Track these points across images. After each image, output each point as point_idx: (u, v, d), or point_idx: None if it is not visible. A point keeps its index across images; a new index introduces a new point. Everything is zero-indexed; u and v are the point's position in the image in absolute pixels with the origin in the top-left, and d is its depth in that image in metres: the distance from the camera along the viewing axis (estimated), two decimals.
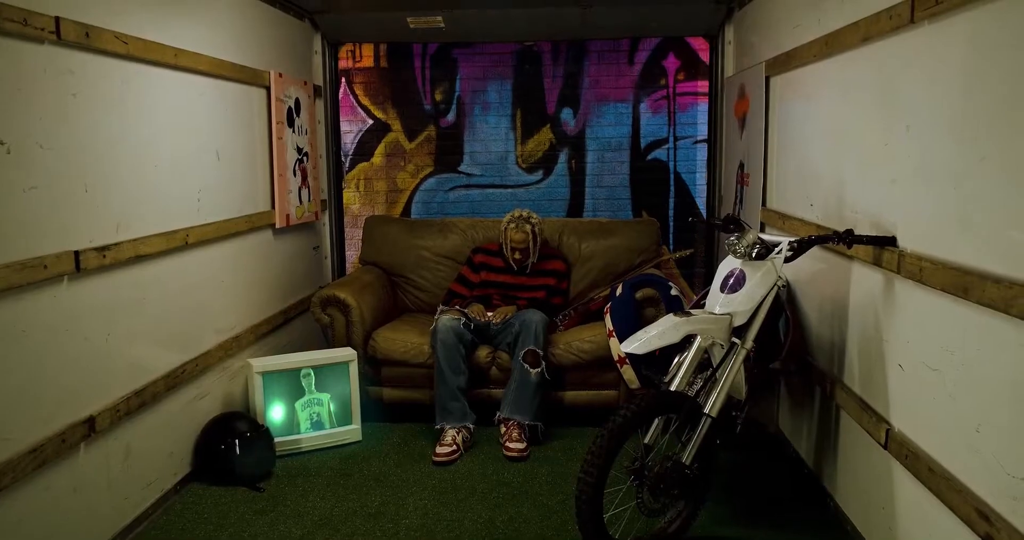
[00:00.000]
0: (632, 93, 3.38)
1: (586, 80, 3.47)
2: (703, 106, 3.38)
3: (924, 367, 2.24)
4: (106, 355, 2.65)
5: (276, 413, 3.58)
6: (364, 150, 4.96)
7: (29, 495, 2.29)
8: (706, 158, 4.80)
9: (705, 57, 3.50)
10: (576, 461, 3.43)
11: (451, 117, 3.59)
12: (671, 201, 3.38)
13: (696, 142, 3.44)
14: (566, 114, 3.45)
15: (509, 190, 3.61)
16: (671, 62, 3.25)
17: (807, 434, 3.32)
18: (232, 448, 3.22)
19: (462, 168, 3.71)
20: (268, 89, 3.91)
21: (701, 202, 3.51)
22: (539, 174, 3.57)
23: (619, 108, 3.42)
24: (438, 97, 3.50)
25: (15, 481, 2.20)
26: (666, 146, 3.45)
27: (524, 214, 4.09)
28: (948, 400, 2.11)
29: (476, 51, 3.52)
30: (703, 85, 3.39)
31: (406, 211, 4.94)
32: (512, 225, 4.07)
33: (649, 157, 3.56)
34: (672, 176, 3.49)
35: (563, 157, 3.54)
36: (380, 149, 4.81)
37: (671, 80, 3.20)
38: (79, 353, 2.51)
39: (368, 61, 4.63)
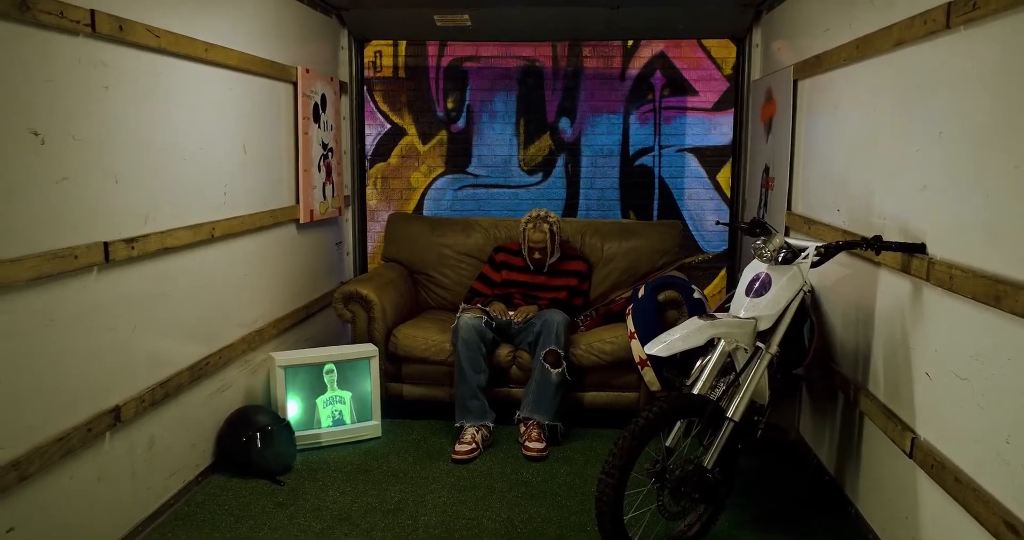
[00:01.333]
0: (622, 106, 3.62)
1: (582, 93, 3.85)
2: (687, 118, 3.62)
3: (953, 376, 2.21)
4: (132, 346, 2.67)
5: (292, 409, 3.60)
6: (382, 151, 5.24)
7: (55, 483, 2.31)
8: (687, 166, 4.73)
9: (689, 76, 3.89)
10: (595, 462, 3.42)
11: (461, 123, 4.02)
12: (655, 203, 3.81)
13: (679, 151, 3.79)
14: (564, 123, 3.86)
15: (511, 190, 3.98)
16: (657, 79, 3.55)
17: (829, 441, 3.30)
18: (254, 441, 3.23)
19: (470, 169, 4.13)
20: (295, 84, 3.93)
21: (683, 204, 3.91)
22: (539, 176, 4.01)
23: (611, 119, 3.81)
24: (450, 105, 3.85)
25: (42, 469, 2.23)
26: (652, 154, 3.84)
27: (542, 214, 4.08)
28: (977, 410, 2.09)
29: (485, 65, 3.92)
30: (687, 100, 3.72)
31: (419, 207, 5.25)
32: (530, 225, 4.06)
33: (636, 163, 3.94)
34: (657, 181, 3.86)
35: (560, 161, 3.94)
36: (396, 151, 5.13)
37: (657, 95, 3.45)
38: (106, 343, 2.54)
39: (387, 71, 5.04)
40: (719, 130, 3.65)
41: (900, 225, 2.55)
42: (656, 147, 3.91)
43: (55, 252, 2.25)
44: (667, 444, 2.61)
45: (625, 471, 2.44)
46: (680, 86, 3.67)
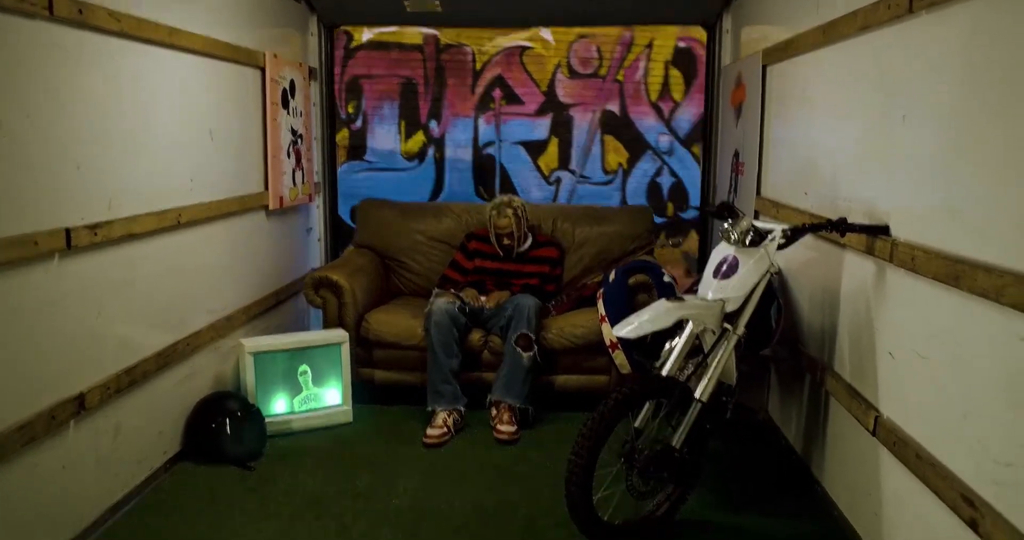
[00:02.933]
0: (474, 112, 4.93)
1: (446, 102, 4.93)
2: (516, 120, 4.93)
3: (914, 355, 2.25)
4: (97, 333, 2.65)
5: (278, 407, 3.60)
6: None
7: (18, 472, 2.29)
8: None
9: (518, 91, 4.92)
10: (566, 445, 3.39)
11: (358, 124, 4.99)
12: (497, 181, 4.96)
13: (512, 143, 4.94)
14: (433, 124, 4.97)
15: (395, 172, 5.02)
16: (497, 93, 4.90)
17: (796, 420, 3.34)
18: (223, 427, 3.22)
19: (366, 157, 5.04)
20: (263, 70, 3.89)
21: (516, 182, 4.99)
22: (415, 162, 5.02)
23: (465, 121, 4.96)
24: (350, 110, 4.95)
25: (2, 458, 2.20)
26: (494, 146, 4.96)
27: (506, 199, 4.10)
28: (936, 387, 2.12)
29: (376, 82, 4.95)
30: (516, 108, 4.91)
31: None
32: (495, 212, 4.07)
33: (484, 153, 4.98)
34: (498, 165, 4.96)
35: (431, 152, 5.00)
36: None
37: (497, 104, 4.88)
38: (70, 330, 2.51)
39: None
40: (539, 130, 4.94)
41: (865, 208, 2.58)
42: (497, 141, 4.97)
43: (14, 239, 2.21)
44: (636, 425, 2.64)
45: (594, 452, 2.46)
46: (512, 97, 4.90)
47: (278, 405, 3.62)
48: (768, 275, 2.71)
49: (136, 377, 2.84)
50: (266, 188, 3.98)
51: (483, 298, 3.92)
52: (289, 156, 4.24)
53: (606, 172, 5.00)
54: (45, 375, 2.40)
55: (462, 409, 3.67)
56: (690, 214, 4.87)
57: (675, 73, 4.93)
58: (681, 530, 2.77)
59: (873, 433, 2.47)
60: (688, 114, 4.97)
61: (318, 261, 4.82)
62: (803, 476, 3.15)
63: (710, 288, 2.71)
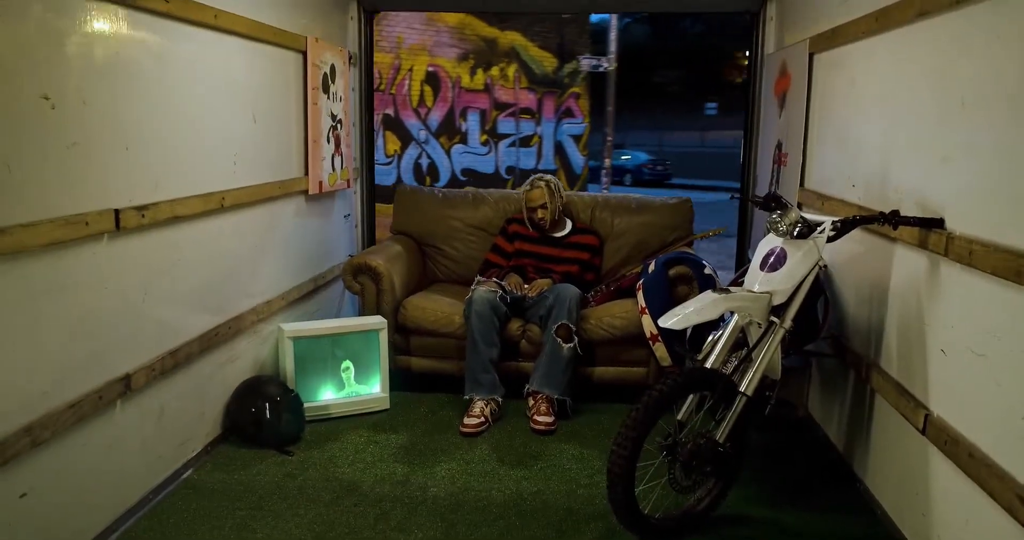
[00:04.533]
0: None
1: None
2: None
3: (969, 352, 2.20)
4: (142, 314, 2.66)
5: (302, 381, 3.61)
6: None
7: (67, 450, 2.31)
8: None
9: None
10: (603, 437, 3.42)
11: None
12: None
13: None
14: None
15: None
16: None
17: (838, 417, 3.29)
18: (263, 412, 3.24)
19: None
20: (304, 54, 3.88)
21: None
22: None
23: None
24: None
25: (54, 435, 2.23)
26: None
27: (536, 176, 4.16)
28: (993, 386, 2.07)
29: None
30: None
31: None
32: (527, 187, 4.12)
33: None
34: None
35: None
36: None
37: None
38: (117, 311, 2.53)
39: None
40: None
41: (918, 200, 2.52)
42: None
43: (67, 218, 2.23)
44: (679, 418, 2.61)
45: (638, 443, 2.43)
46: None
47: (316, 392, 3.62)
48: (816, 268, 2.66)
49: (179, 359, 2.86)
50: (306, 173, 3.99)
51: (526, 286, 3.90)
52: (329, 141, 4.24)
53: (387, 155, 7.87)
54: (94, 355, 2.42)
55: (499, 399, 3.66)
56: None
57: (427, 89, 7.84)
58: (720, 524, 2.75)
59: (923, 431, 2.42)
60: (436, 116, 7.94)
61: (355, 247, 4.83)
62: (844, 473, 3.10)
63: (757, 280, 2.67)
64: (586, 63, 8.75)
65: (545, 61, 8.26)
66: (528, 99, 8.51)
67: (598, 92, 9.61)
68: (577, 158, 8.92)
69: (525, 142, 8.59)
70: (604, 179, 9.89)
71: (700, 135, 23.46)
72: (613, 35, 9.42)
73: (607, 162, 9.97)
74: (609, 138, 9.73)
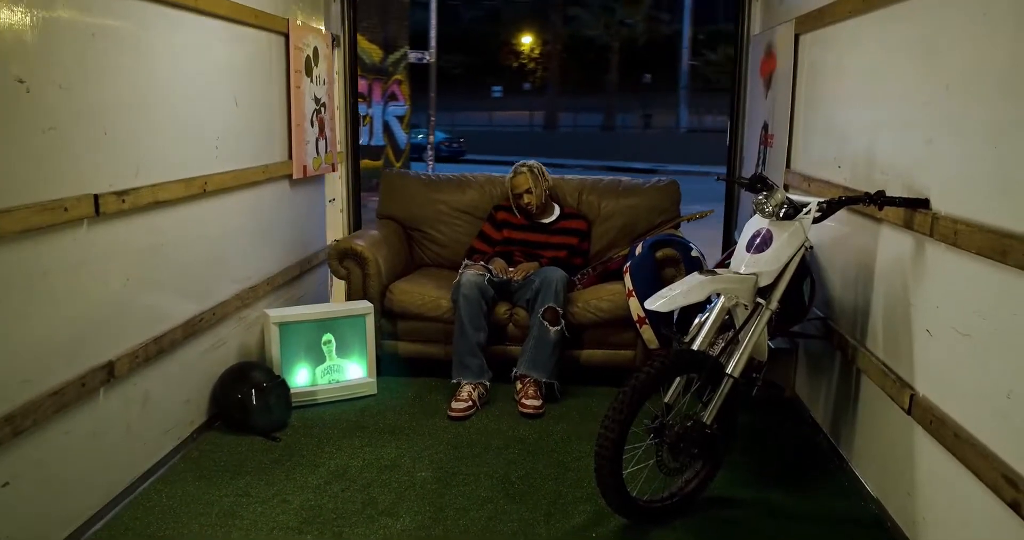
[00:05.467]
0: None
1: None
2: None
3: (954, 332, 2.20)
4: (125, 301, 2.64)
5: (299, 379, 3.59)
6: None
7: (50, 438, 2.29)
8: (728, 118, 4.74)
9: None
10: (591, 420, 3.43)
11: None
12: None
13: None
14: None
15: None
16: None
17: (825, 398, 3.31)
18: (249, 398, 3.22)
19: None
20: (287, 36, 3.83)
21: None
22: None
23: None
24: None
25: (36, 424, 2.20)
26: None
27: (519, 163, 4.15)
28: (978, 365, 2.08)
29: None
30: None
31: None
32: (511, 176, 4.11)
33: None
34: None
35: None
36: None
37: None
38: (99, 298, 2.50)
39: None
40: None
41: (903, 181, 2.52)
42: None
43: (44, 204, 2.19)
44: (666, 400, 2.61)
45: (625, 426, 2.43)
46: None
47: (300, 375, 3.61)
48: (802, 249, 2.66)
49: (164, 346, 2.84)
50: (290, 157, 3.95)
51: (511, 270, 3.88)
52: (312, 125, 4.20)
53: None
54: (75, 342, 2.39)
55: (487, 383, 3.65)
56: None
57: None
58: (708, 506, 2.76)
59: (908, 412, 2.43)
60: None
61: (340, 232, 4.79)
62: (830, 454, 3.12)
63: (743, 262, 2.66)
64: (413, 56, 10.20)
65: (373, 52, 9.03)
66: (360, 85, 9.13)
67: (420, 79, 11.29)
68: (401, 136, 10.24)
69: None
70: (429, 153, 11.29)
71: (488, 115, 25.76)
72: (434, 33, 10.56)
73: (431, 139, 11.39)
74: (432, 118, 11.15)
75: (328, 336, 3.66)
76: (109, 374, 2.53)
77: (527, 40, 24.69)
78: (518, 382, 3.63)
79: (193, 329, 3.05)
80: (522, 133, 24.39)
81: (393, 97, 9.91)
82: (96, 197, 2.41)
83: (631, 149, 18.53)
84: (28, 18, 2.14)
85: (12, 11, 2.08)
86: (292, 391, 3.46)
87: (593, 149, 18.50)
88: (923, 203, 2.36)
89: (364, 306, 3.75)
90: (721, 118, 22.43)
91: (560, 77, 20.84)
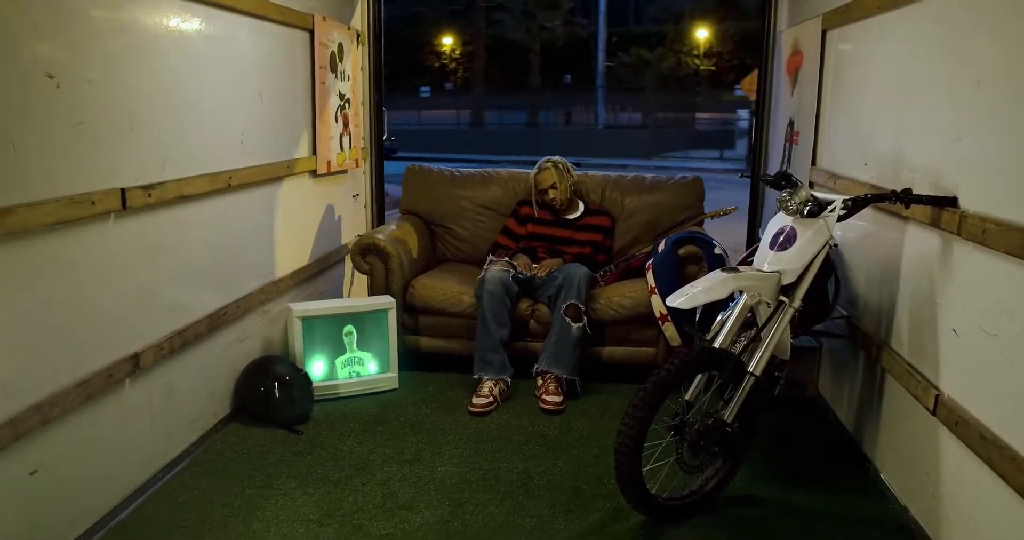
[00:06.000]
0: None
1: None
2: None
3: (981, 332, 2.17)
4: (150, 293, 2.67)
5: (317, 369, 3.61)
6: None
7: (76, 428, 2.33)
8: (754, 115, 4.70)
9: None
10: (611, 417, 3.42)
11: None
12: None
13: None
14: None
15: None
16: None
17: (848, 397, 3.28)
18: (272, 391, 3.25)
19: None
20: (311, 32, 3.86)
21: None
22: None
23: None
24: None
25: (63, 413, 2.24)
26: None
27: (544, 159, 4.15)
28: (1006, 366, 2.05)
29: None
30: None
31: None
32: (536, 172, 4.12)
33: None
34: None
35: None
36: None
37: None
38: (125, 290, 2.53)
39: None
40: None
41: (931, 178, 2.49)
42: None
43: (72, 198, 2.22)
44: (687, 397, 2.59)
45: (645, 423, 2.43)
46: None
47: (323, 369, 3.64)
48: (827, 247, 2.63)
49: (188, 339, 2.87)
50: (314, 152, 3.97)
51: (535, 266, 3.88)
52: (337, 120, 4.22)
53: None
54: (102, 334, 2.43)
55: (508, 379, 3.66)
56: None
57: None
58: (728, 505, 2.74)
59: (933, 412, 2.40)
60: None
61: (364, 227, 4.82)
62: (853, 454, 3.09)
63: (766, 259, 2.65)
64: None
65: None
66: None
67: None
68: None
69: None
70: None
71: (417, 114, 26.56)
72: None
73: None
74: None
75: (350, 327, 3.68)
76: (135, 366, 2.56)
77: (448, 41, 25.42)
78: (539, 378, 3.63)
79: (217, 322, 3.08)
80: (450, 131, 25.01)
81: None
82: (123, 191, 2.44)
83: (554, 145, 19.37)
84: (57, 14, 2.17)
85: (42, 8, 2.11)
86: (314, 385, 3.48)
87: (519, 145, 19.09)
88: (951, 201, 2.33)
89: (387, 301, 3.76)
90: (636, 115, 23.27)
91: (484, 77, 21.68)
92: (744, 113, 20.36)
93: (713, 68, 21.03)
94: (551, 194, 4.03)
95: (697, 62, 21.00)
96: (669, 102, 22.52)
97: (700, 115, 23.02)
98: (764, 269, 2.62)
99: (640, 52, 21.61)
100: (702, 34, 20.75)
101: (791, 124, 4.14)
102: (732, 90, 20.86)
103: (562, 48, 22.66)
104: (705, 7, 21.47)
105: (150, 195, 2.58)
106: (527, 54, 22.65)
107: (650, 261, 3.77)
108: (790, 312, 2.62)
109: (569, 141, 20.64)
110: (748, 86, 17.86)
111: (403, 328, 3.90)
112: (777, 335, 2.61)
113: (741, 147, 19.86)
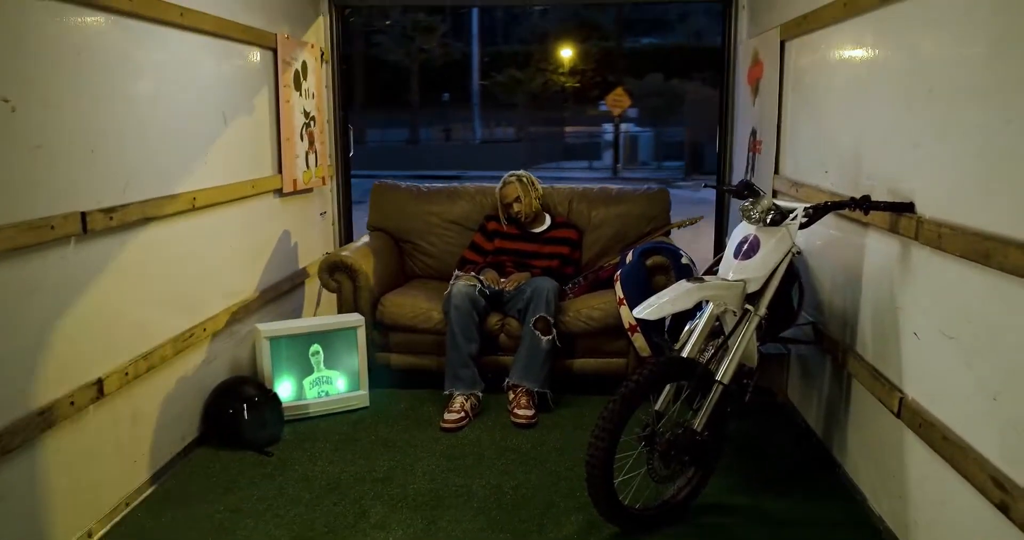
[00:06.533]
0: None
1: None
2: None
3: (940, 335, 2.21)
4: (114, 318, 2.64)
5: (284, 390, 3.57)
6: None
7: (40, 458, 2.29)
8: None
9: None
10: (584, 429, 3.41)
11: None
12: None
13: None
14: None
15: None
16: None
17: (817, 403, 3.31)
18: (240, 412, 3.21)
19: None
20: (275, 51, 3.85)
21: None
22: None
23: None
24: None
25: (24, 442, 2.20)
26: None
27: (509, 173, 4.18)
28: (965, 368, 2.08)
29: None
30: None
31: None
32: (501, 186, 4.15)
33: None
34: None
35: None
36: None
37: None
38: (87, 315, 2.50)
39: None
40: None
41: (889, 185, 2.53)
42: None
43: (31, 223, 2.20)
44: (656, 408, 2.61)
45: (615, 435, 2.43)
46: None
47: (286, 386, 3.60)
48: (790, 255, 2.67)
49: (153, 362, 2.84)
50: (279, 171, 3.96)
51: (503, 280, 3.89)
52: (302, 139, 4.21)
53: None
54: (64, 359, 2.39)
55: (480, 394, 3.65)
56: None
57: None
58: (700, 513, 2.75)
59: (897, 415, 2.43)
60: None
61: (332, 244, 4.80)
62: (823, 459, 3.12)
63: (731, 268, 2.67)
64: None
65: None
66: None
67: None
68: None
69: None
70: None
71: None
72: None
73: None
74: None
75: (316, 347, 3.66)
76: (98, 391, 2.52)
77: None
78: (510, 392, 3.63)
79: (184, 345, 3.05)
80: (385, 146, 25.28)
81: None
82: (83, 214, 2.42)
83: (435, 159, 20.30)
84: (12, 37, 2.15)
85: None
86: (284, 405, 3.45)
87: (402, 160, 19.62)
88: (908, 207, 2.37)
89: (355, 319, 3.74)
90: (510, 130, 24.29)
91: (364, 96, 22.56)
92: (608, 127, 21.52)
93: (578, 85, 22.00)
94: (515, 207, 4.05)
95: (563, 79, 21.94)
96: (540, 117, 23.77)
97: (569, 129, 24.08)
98: (729, 278, 2.65)
99: (511, 72, 22.59)
100: (566, 53, 21.71)
101: (753, 133, 4.19)
102: (597, 105, 21.85)
103: (440, 68, 23.74)
104: (568, 27, 22.59)
105: (111, 218, 2.55)
106: (406, 74, 23.59)
107: (618, 272, 3.79)
108: (756, 320, 2.65)
109: (449, 156, 21.51)
110: (612, 102, 18.72)
111: (374, 345, 3.88)
112: (744, 343, 2.64)
113: (607, 157, 20.92)
